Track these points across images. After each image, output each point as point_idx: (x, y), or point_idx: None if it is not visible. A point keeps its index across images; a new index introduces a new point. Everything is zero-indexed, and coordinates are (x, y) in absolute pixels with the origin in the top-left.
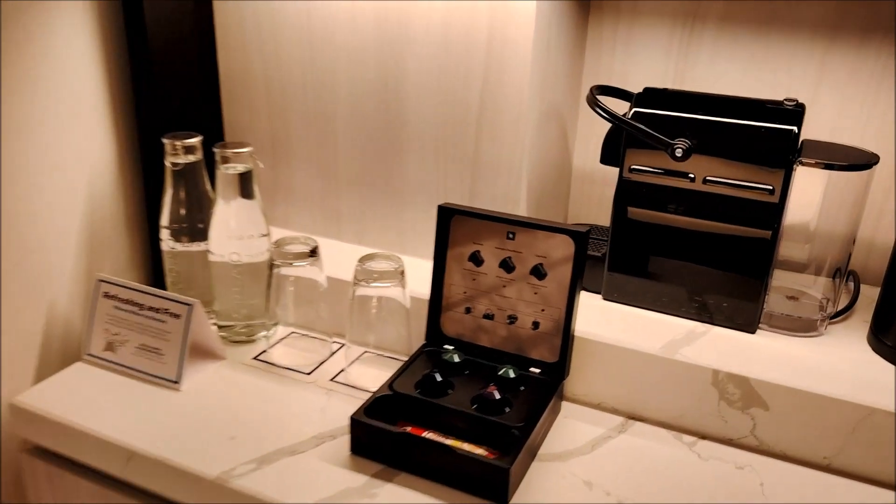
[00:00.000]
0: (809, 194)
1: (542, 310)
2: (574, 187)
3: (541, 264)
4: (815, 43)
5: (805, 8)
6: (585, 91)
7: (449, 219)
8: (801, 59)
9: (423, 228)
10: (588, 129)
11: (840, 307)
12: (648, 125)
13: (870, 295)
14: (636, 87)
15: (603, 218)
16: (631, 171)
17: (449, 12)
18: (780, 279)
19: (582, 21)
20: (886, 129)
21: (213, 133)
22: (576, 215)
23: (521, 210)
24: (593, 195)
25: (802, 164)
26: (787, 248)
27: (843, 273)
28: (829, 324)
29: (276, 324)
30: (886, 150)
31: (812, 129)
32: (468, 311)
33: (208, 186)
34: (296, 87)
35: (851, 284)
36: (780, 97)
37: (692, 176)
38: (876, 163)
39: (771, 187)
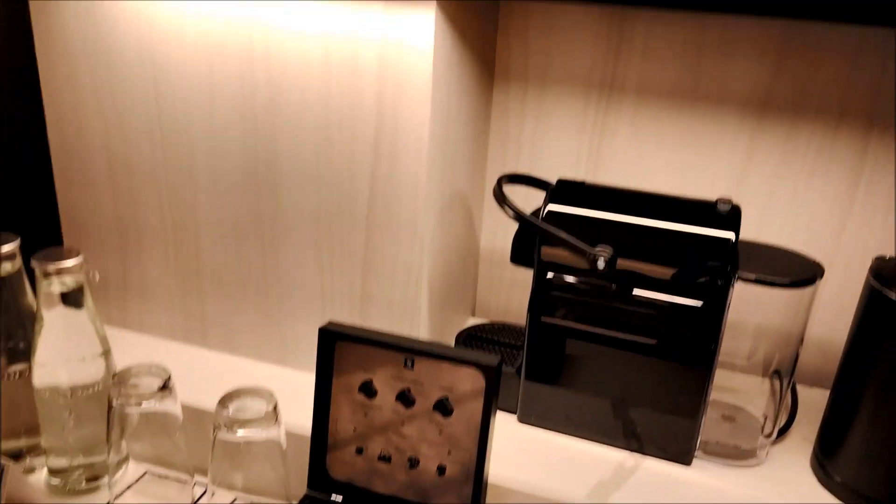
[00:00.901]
0: (748, 305)
1: (449, 452)
2: (482, 271)
3: (446, 398)
4: (744, 122)
5: (731, 81)
6: (491, 172)
7: (332, 343)
8: (727, 138)
9: (306, 334)
10: (496, 209)
11: (782, 421)
12: (565, 227)
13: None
14: (547, 164)
15: (516, 307)
16: (547, 274)
17: (329, 83)
18: (716, 389)
19: (486, 91)
20: (821, 212)
21: (46, 217)
22: (485, 305)
23: (422, 317)
24: (504, 280)
25: (741, 279)
26: (724, 352)
27: (787, 383)
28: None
29: (125, 459)
30: (823, 236)
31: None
32: (360, 451)
33: (31, 298)
34: (144, 163)
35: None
36: (704, 179)
37: (615, 285)
38: (821, 275)
39: (706, 301)
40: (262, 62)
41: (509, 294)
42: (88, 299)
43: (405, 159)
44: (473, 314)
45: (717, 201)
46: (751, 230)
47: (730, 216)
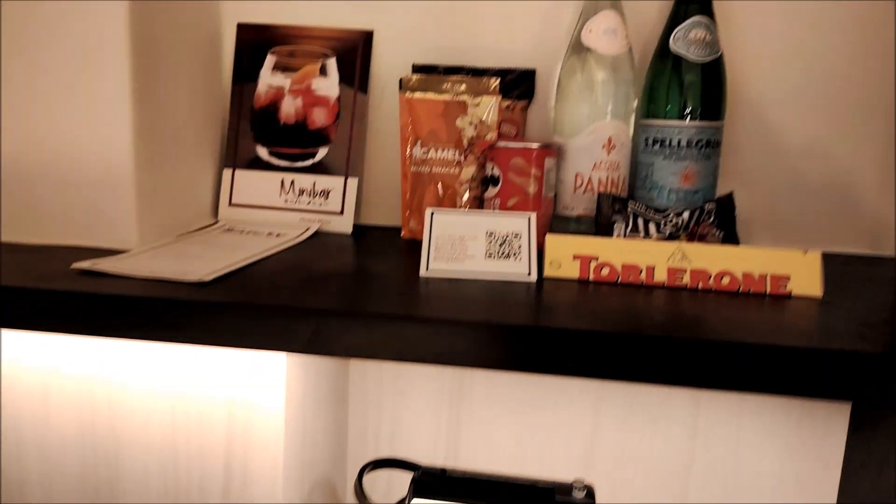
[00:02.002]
0: None
1: None
2: None
3: None
4: (590, 384)
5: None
6: (354, 455)
7: None
8: (577, 401)
9: None
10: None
11: None
12: None
13: None
14: (408, 443)
15: None
16: None
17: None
18: None
19: (342, 387)
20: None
21: None
22: None
23: None
24: None
25: None
26: None
27: None
28: None
29: None
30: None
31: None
32: None
33: None
34: None
35: None
36: (558, 442)
37: None
38: None
39: None
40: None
41: None
42: None
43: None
44: None
45: (573, 484)
46: (605, 488)
47: (585, 501)
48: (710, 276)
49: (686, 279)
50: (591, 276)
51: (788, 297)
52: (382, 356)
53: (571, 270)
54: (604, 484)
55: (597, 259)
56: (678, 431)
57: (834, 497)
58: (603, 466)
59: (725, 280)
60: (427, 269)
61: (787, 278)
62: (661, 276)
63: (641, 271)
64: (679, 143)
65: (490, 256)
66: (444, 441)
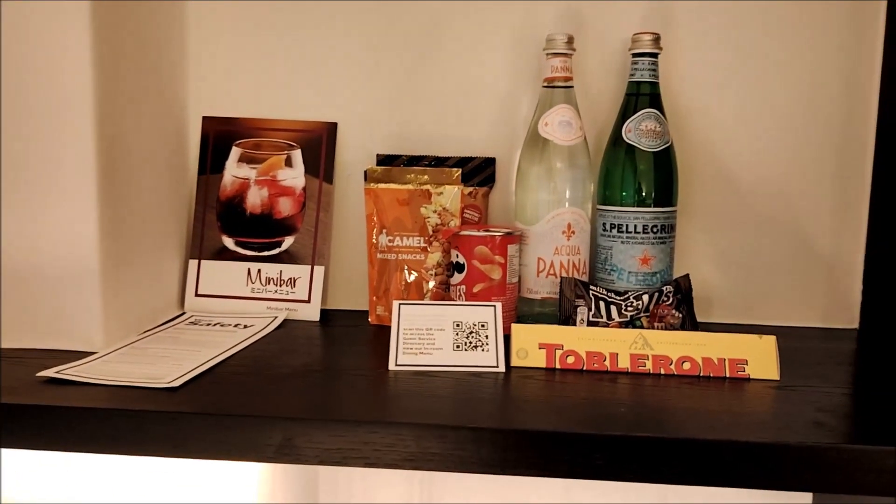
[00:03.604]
0: None
1: None
2: None
3: None
4: None
5: None
6: None
7: None
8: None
9: None
10: None
11: None
12: None
13: None
14: None
15: None
16: None
17: None
18: None
19: None
20: None
21: None
22: None
23: None
24: None
25: None
26: None
27: None
28: None
29: None
30: None
31: None
32: None
33: None
34: None
35: None
36: None
37: None
38: None
39: None
40: None
41: None
42: None
43: None
44: None
45: None
46: None
47: None
48: (672, 362)
49: (648, 365)
50: (557, 365)
51: (747, 380)
52: (352, 463)
53: (538, 360)
54: None
55: (562, 347)
56: None
57: None
58: None
59: (686, 365)
60: (396, 363)
61: (745, 362)
62: (624, 362)
63: (605, 358)
64: (636, 227)
65: (458, 348)
66: None
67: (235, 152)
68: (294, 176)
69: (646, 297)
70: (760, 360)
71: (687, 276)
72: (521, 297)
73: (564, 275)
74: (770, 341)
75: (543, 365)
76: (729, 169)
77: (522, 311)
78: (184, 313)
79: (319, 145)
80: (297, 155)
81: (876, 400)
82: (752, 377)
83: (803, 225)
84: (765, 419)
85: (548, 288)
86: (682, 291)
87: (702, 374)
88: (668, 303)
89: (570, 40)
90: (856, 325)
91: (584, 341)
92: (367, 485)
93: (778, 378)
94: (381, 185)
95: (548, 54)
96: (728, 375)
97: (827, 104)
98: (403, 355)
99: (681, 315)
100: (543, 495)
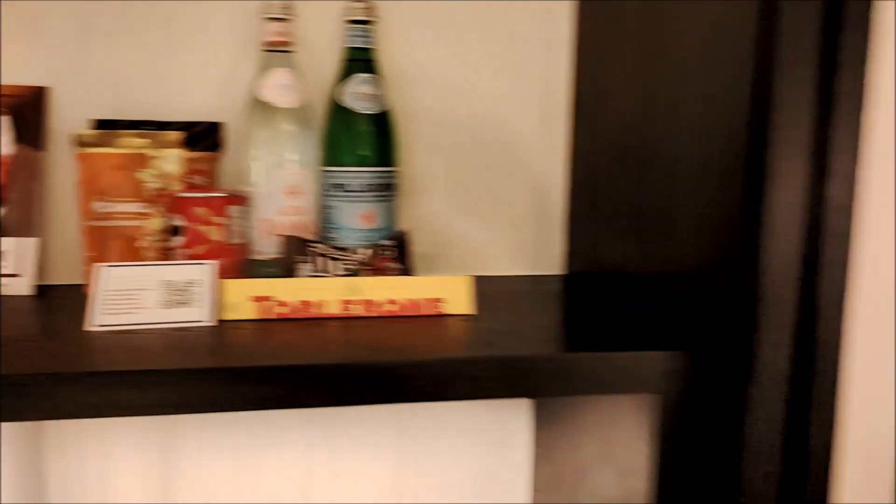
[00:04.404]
0: None
1: None
2: None
3: None
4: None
5: None
6: None
7: None
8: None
9: None
10: None
11: None
12: None
13: None
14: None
15: None
16: None
17: None
18: None
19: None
20: None
21: None
22: None
23: None
24: None
25: None
26: None
27: None
28: None
29: None
30: None
31: None
32: None
33: None
34: None
35: None
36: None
37: None
38: None
39: None
40: None
41: None
42: None
43: None
44: None
45: None
46: None
47: None
48: (378, 305)
49: (357, 310)
50: (269, 316)
51: (446, 316)
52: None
53: (249, 312)
54: None
55: (273, 299)
56: (385, 453)
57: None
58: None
59: (392, 307)
60: (95, 323)
61: (443, 301)
62: (334, 308)
63: (316, 306)
64: (357, 187)
65: (166, 306)
66: (161, 496)
67: None
68: (1, 145)
69: (366, 252)
70: (456, 298)
71: (406, 230)
72: (251, 259)
73: (289, 235)
74: (464, 281)
75: (255, 317)
76: (453, 132)
77: (252, 272)
78: None
79: (29, 111)
80: (4, 122)
81: (547, 323)
82: (450, 313)
83: (515, 184)
84: (459, 342)
85: (275, 248)
86: (401, 245)
87: (407, 315)
88: (387, 256)
89: (288, 6)
90: (560, 271)
91: (294, 291)
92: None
93: (473, 313)
94: (95, 150)
95: (266, 19)
96: (429, 314)
97: (528, 64)
98: (103, 315)
99: (400, 268)
100: (286, 459)
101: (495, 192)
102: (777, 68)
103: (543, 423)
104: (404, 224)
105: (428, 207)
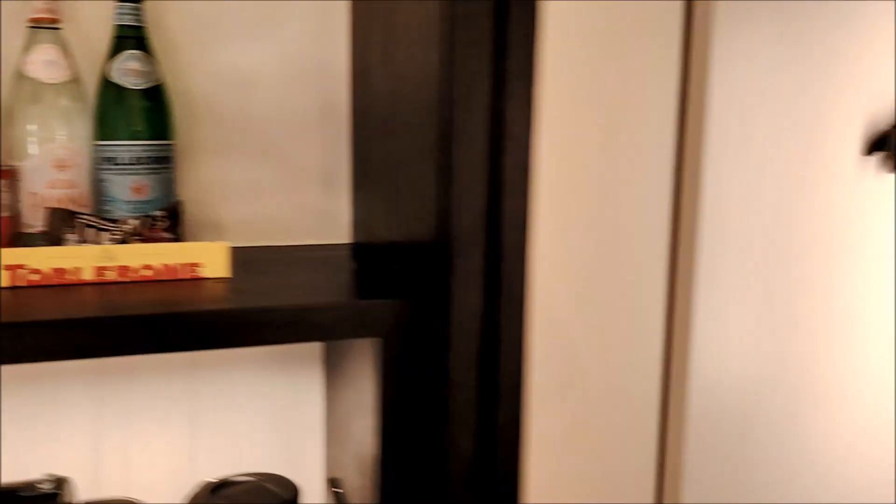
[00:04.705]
0: None
1: None
2: None
3: None
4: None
5: None
6: None
7: None
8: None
9: None
10: None
11: None
12: None
13: None
14: None
15: None
16: None
17: None
18: None
19: None
20: None
21: None
22: None
23: None
24: None
25: None
26: None
27: None
28: None
29: None
30: None
31: None
32: None
33: None
34: None
35: None
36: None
37: None
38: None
39: None
40: None
41: None
42: None
43: None
44: None
45: (42, 481)
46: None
47: (51, 495)
48: (134, 270)
49: (111, 275)
50: (20, 283)
51: (204, 279)
52: None
53: (1, 280)
54: (116, 483)
55: (26, 267)
56: (178, 420)
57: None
58: (110, 471)
59: (148, 272)
60: None
61: (200, 266)
62: (88, 275)
63: (71, 273)
64: (128, 160)
65: None
66: None
67: None
68: None
69: (136, 222)
70: (213, 262)
71: (180, 201)
72: (20, 232)
73: (56, 207)
74: (220, 246)
75: (7, 284)
76: (235, 105)
77: (21, 245)
78: None
79: None
80: None
81: (296, 282)
82: (207, 277)
83: (297, 154)
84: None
85: (42, 221)
86: (175, 216)
87: (163, 279)
88: (159, 226)
89: None
90: (348, 240)
91: (48, 259)
92: None
93: (229, 276)
94: None
95: None
96: (187, 277)
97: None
98: None
99: (171, 237)
100: (70, 428)
101: (284, 166)
102: (456, 47)
103: (331, 381)
104: (186, 195)
105: (215, 178)
